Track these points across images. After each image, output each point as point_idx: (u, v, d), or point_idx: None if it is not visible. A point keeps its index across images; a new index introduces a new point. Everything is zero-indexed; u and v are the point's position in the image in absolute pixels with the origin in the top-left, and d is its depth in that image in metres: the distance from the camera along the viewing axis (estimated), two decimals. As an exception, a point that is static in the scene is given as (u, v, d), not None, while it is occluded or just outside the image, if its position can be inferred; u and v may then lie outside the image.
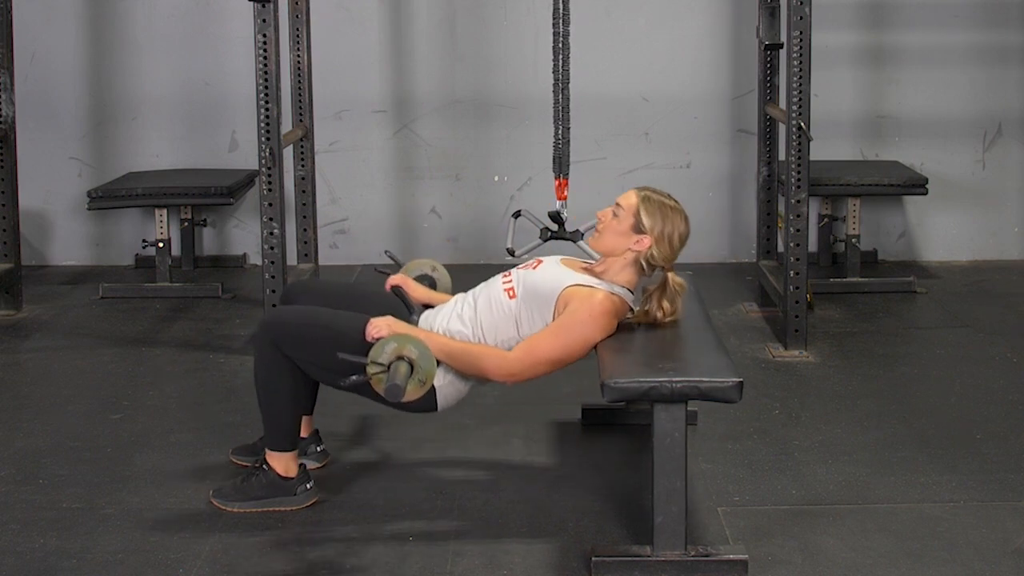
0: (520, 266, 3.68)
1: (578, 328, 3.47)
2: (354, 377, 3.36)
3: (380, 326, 3.46)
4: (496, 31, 6.64)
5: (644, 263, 3.56)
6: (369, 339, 3.44)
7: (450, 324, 3.62)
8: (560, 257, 3.71)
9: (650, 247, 3.54)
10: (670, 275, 3.60)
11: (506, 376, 3.49)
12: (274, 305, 4.96)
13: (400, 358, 3.33)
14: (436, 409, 3.57)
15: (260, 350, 3.57)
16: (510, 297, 3.57)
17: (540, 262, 3.66)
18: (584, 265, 3.68)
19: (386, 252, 4.22)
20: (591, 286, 3.52)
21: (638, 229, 3.55)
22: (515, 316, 3.55)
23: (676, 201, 3.62)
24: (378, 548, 3.41)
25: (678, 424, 3.21)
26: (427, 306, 3.81)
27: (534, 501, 3.70)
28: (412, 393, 3.35)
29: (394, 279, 3.87)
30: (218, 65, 6.63)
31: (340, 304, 3.72)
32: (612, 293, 3.53)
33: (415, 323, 3.64)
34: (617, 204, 3.60)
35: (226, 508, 3.63)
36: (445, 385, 3.53)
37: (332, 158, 6.66)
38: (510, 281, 3.61)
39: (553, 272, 3.59)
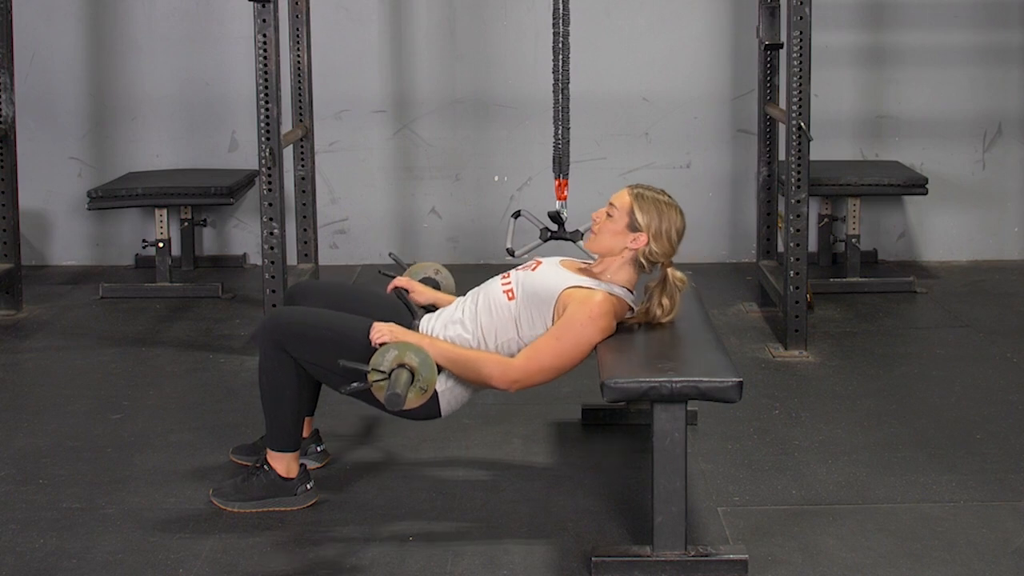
0: (519, 267, 3.68)
1: (578, 331, 3.46)
2: (355, 384, 3.36)
3: (383, 331, 3.46)
4: (496, 31, 6.64)
5: (643, 260, 3.56)
6: (372, 344, 3.44)
7: (449, 329, 3.62)
8: (559, 258, 3.71)
9: (647, 244, 3.54)
10: (670, 271, 3.59)
11: (509, 383, 3.49)
12: (274, 305, 4.97)
13: (401, 366, 3.33)
14: (440, 415, 3.57)
15: (264, 350, 3.56)
16: (509, 299, 3.57)
17: (539, 263, 3.66)
18: (582, 266, 3.68)
19: (390, 254, 4.22)
20: (589, 287, 3.52)
21: (633, 227, 3.55)
22: (515, 318, 3.55)
23: (670, 196, 3.62)
24: (378, 548, 3.41)
25: (678, 424, 3.21)
26: (430, 309, 3.80)
27: (534, 501, 3.70)
28: (413, 401, 3.35)
29: (397, 281, 3.87)
30: (218, 65, 6.63)
31: (343, 305, 3.72)
32: (611, 294, 3.52)
33: (416, 327, 3.64)
34: (611, 204, 3.59)
35: (226, 508, 3.63)
36: (447, 391, 3.53)
37: (332, 158, 6.66)
38: (509, 283, 3.61)
39: (552, 273, 3.59)
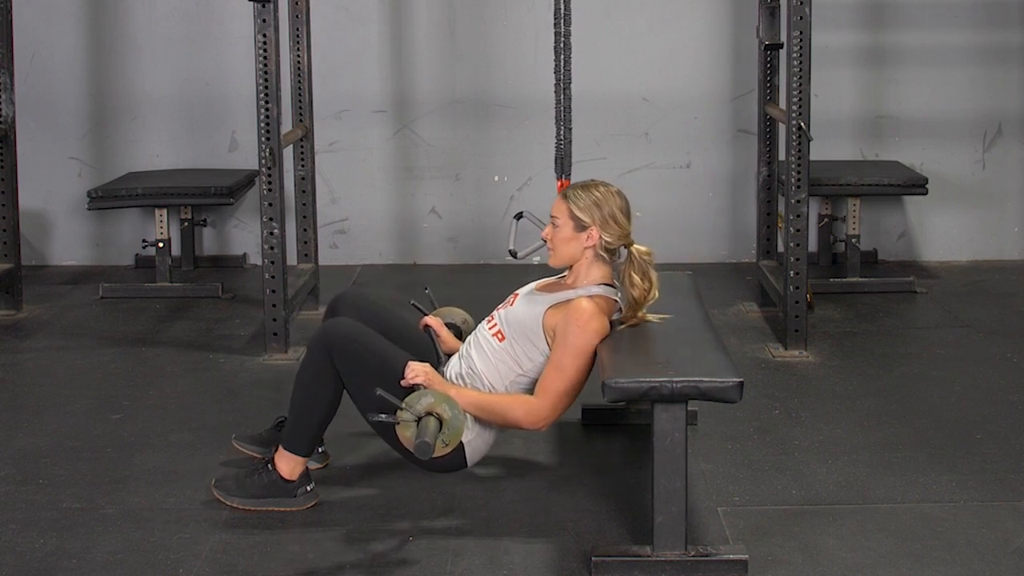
0: (499, 307, 3.72)
1: (574, 344, 3.49)
2: (384, 416, 3.39)
3: (418, 372, 3.49)
4: (496, 31, 6.64)
5: (604, 252, 3.59)
6: (405, 381, 3.47)
7: (457, 382, 3.65)
8: (533, 284, 3.74)
9: (600, 236, 3.56)
10: (632, 248, 3.61)
11: (536, 422, 3.53)
12: (274, 305, 4.98)
13: (431, 414, 3.36)
14: (466, 466, 3.60)
15: (312, 353, 3.58)
16: (500, 340, 3.61)
17: (516, 296, 3.71)
18: (557, 280, 3.72)
19: (425, 289, 4.20)
20: (567, 299, 3.54)
21: (580, 227, 3.58)
22: (513, 356, 3.59)
23: (603, 183, 3.64)
24: (378, 548, 3.41)
25: (678, 424, 3.21)
26: (450, 355, 3.82)
27: (534, 501, 3.71)
28: (439, 450, 3.38)
29: (431, 321, 3.89)
30: (218, 65, 6.63)
31: (380, 327, 3.73)
32: (590, 296, 3.54)
33: (442, 373, 3.67)
34: (552, 216, 3.63)
35: (225, 501, 3.63)
36: (473, 439, 3.56)
37: (332, 158, 6.66)
38: (495, 325, 3.65)
39: (530, 302, 3.63)
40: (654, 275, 3.62)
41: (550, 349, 3.54)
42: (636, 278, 3.59)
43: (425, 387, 3.44)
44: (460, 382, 3.64)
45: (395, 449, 3.54)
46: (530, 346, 3.57)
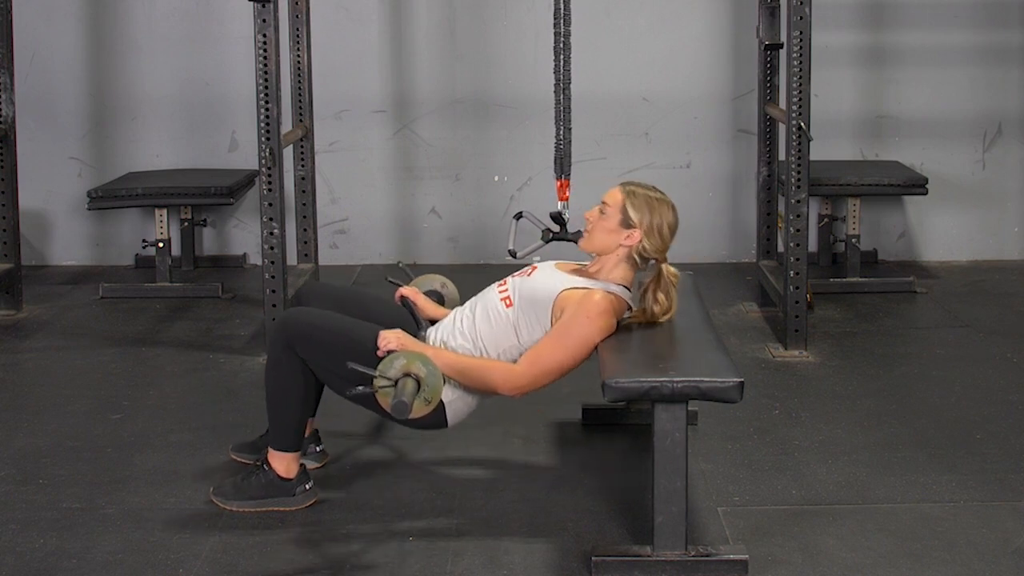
0: (515, 274, 3.69)
1: (577, 332, 3.47)
2: (360, 388, 3.36)
3: (390, 339, 3.46)
4: (496, 31, 6.64)
5: (637, 256, 3.57)
6: (380, 351, 3.44)
7: (450, 340, 3.62)
8: (555, 261, 3.71)
9: (640, 240, 3.55)
10: (664, 266, 3.60)
11: (514, 389, 3.50)
12: (275, 306, 4.97)
13: (407, 375, 3.34)
14: (447, 425, 3.58)
15: (274, 349, 3.57)
16: (507, 306, 3.58)
17: (535, 268, 3.67)
18: (578, 267, 3.69)
19: (399, 263, 4.21)
20: (586, 287, 3.52)
21: (627, 224, 3.56)
22: (513, 324, 3.56)
23: (662, 192, 3.63)
24: (378, 548, 3.41)
25: (679, 424, 3.21)
26: (433, 321, 3.81)
27: (534, 501, 3.70)
28: (418, 411, 3.36)
29: (404, 290, 3.87)
30: (218, 65, 6.63)
31: (350, 309, 3.73)
32: (608, 292, 3.53)
33: (423, 338, 3.64)
34: (603, 202, 3.61)
35: (225, 506, 3.63)
36: (454, 400, 3.54)
37: (332, 158, 6.66)
38: (506, 290, 3.62)
39: (548, 277, 3.60)
40: (675, 296, 3.63)
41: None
42: (660, 296, 3.59)
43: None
44: (453, 338, 3.60)
45: (378, 413, 3.52)
46: (534, 320, 3.54)
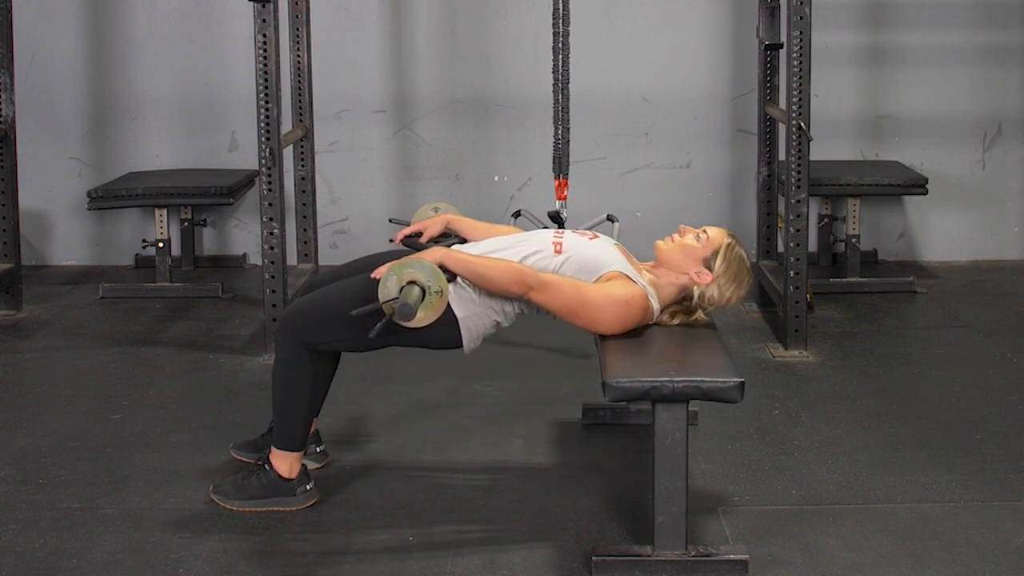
0: (575, 231, 3.66)
1: (603, 302, 3.43)
2: (378, 325, 3.33)
3: (380, 270, 3.41)
4: (496, 31, 6.64)
5: (690, 297, 3.56)
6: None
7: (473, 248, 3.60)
8: (614, 241, 3.69)
9: (707, 286, 3.55)
10: (700, 315, 3.61)
11: (517, 279, 3.43)
12: (275, 305, 4.98)
13: (407, 283, 3.31)
14: (462, 345, 3.53)
15: (282, 347, 3.56)
16: (556, 252, 3.53)
17: (596, 236, 3.65)
18: (636, 261, 3.67)
19: (390, 220, 4.18)
20: (635, 281, 3.52)
21: (707, 265, 3.55)
22: (554, 268, 3.51)
23: (751, 273, 3.63)
24: (378, 548, 3.41)
25: (679, 424, 3.21)
26: (447, 236, 3.78)
27: (534, 501, 3.70)
28: (436, 308, 3.31)
29: (406, 231, 3.84)
30: (218, 65, 6.63)
31: (350, 275, 3.67)
32: (649, 300, 3.52)
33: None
34: (704, 230, 3.59)
35: (225, 505, 3.63)
36: (468, 317, 3.50)
37: (332, 158, 6.66)
38: (561, 240, 3.57)
39: (606, 251, 3.57)
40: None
41: None
42: (676, 319, 3.60)
43: None
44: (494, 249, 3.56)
45: (403, 345, 3.50)
46: (575, 276, 3.51)
